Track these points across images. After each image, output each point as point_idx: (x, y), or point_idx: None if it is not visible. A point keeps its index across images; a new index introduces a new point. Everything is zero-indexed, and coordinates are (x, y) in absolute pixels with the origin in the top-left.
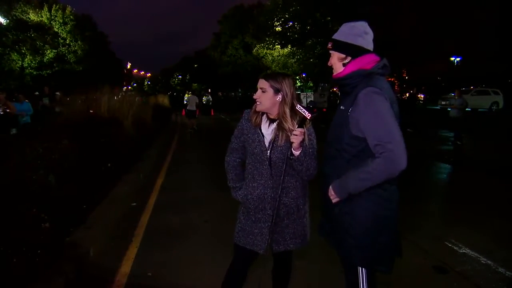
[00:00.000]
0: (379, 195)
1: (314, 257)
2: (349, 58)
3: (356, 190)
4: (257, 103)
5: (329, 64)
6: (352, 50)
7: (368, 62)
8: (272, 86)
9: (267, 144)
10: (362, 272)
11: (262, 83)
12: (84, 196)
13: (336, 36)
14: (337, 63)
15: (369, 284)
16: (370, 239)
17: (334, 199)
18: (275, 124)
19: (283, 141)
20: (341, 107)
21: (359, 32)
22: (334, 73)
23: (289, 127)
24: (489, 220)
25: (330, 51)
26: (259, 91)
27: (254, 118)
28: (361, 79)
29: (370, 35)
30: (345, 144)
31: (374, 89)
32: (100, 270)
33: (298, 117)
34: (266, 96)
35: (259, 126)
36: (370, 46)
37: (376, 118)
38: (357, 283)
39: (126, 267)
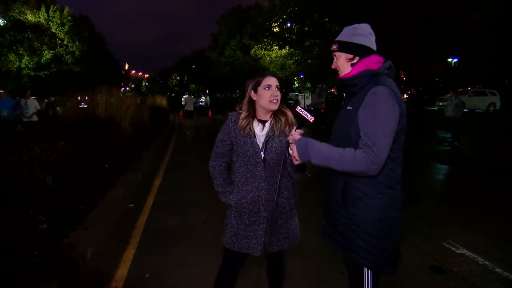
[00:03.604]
0: (388, 195)
1: (312, 257)
2: (357, 58)
3: (318, 163)
4: (274, 101)
5: (333, 66)
6: (360, 50)
7: (375, 62)
8: (280, 84)
9: (260, 145)
10: (368, 275)
11: (277, 81)
12: (81, 197)
13: (340, 38)
14: (345, 64)
15: (374, 287)
16: (380, 240)
17: (295, 159)
18: (267, 124)
19: (278, 141)
20: (348, 107)
21: (364, 33)
22: (341, 74)
23: (287, 118)
24: (487, 221)
25: (336, 53)
26: (275, 88)
27: (247, 124)
28: (369, 79)
29: (374, 36)
30: (353, 143)
31: (384, 88)
32: (97, 272)
33: (298, 119)
34: (280, 94)
35: (250, 129)
36: (374, 46)
37: (375, 120)
38: (362, 285)
39: (123, 269)
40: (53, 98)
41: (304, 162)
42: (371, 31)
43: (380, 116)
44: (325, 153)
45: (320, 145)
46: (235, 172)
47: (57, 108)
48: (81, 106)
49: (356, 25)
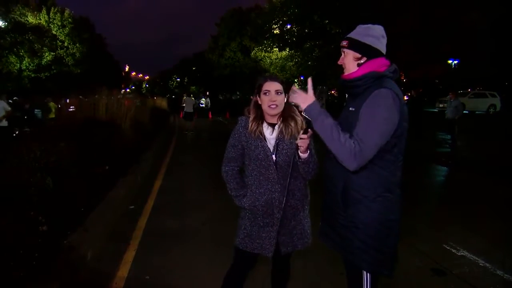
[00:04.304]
0: (387, 198)
1: (312, 259)
2: (364, 59)
3: (317, 128)
4: (273, 106)
5: (340, 62)
6: (369, 51)
7: (381, 65)
8: (284, 88)
9: (271, 148)
10: (366, 277)
11: (277, 86)
12: (81, 199)
13: (352, 35)
14: (352, 62)
15: None
16: (378, 242)
17: (299, 101)
18: (276, 127)
19: (288, 143)
20: (350, 108)
21: (376, 35)
22: (346, 72)
23: (297, 124)
24: (487, 222)
25: (344, 50)
26: (274, 93)
27: (255, 128)
28: (373, 81)
29: (385, 39)
30: None
31: (387, 91)
32: (97, 274)
33: (304, 121)
34: (281, 98)
35: (260, 133)
36: (384, 50)
37: (371, 119)
38: (360, 287)
39: (123, 271)
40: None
41: (307, 116)
42: (384, 34)
43: (377, 117)
44: (329, 123)
45: (329, 117)
46: (248, 176)
47: (36, 111)
48: (71, 109)
49: (370, 25)
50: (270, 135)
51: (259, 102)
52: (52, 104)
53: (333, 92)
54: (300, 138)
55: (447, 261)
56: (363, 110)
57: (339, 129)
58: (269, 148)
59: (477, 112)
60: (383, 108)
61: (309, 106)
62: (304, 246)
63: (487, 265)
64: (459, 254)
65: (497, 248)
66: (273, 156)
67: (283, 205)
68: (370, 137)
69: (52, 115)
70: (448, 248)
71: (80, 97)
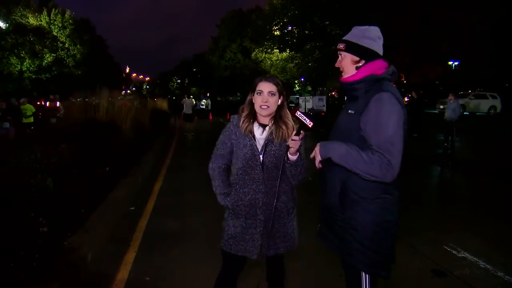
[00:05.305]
0: (384, 200)
1: (311, 260)
2: (362, 62)
3: (337, 160)
4: (264, 107)
5: (337, 65)
6: (367, 54)
7: (379, 67)
8: (278, 90)
9: (259, 148)
10: (365, 278)
11: (271, 87)
12: (82, 200)
13: (349, 38)
14: (350, 66)
15: None
16: (375, 244)
17: (316, 156)
18: (267, 128)
19: (277, 144)
20: (350, 111)
21: (373, 36)
22: (345, 76)
23: (288, 128)
24: (488, 224)
25: (341, 53)
26: (266, 95)
27: (246, 125)
28: (372, 84)
29: (382, 40)
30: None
31: (388, 94)
32: (97, 275)
33: (297, 124)
34: (274, 100)
35: (250, 131)
36: (381, 51)
37: (383, 128)
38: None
39: (124, 272)
40: None
41: (324, 158)
42: (380, 35)
43: (388, 124)
44: (343, 146)
45: (341, 143)
46: (234, 174)
47: None
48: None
49: (367, 27)
50: (260, 135)
51: (254, 101)
52: (28, 106)
53: (333, 93)
54: (292, 140)
55: (447, 262)
56: (370, 120)
57: (355, 147)
58: (257, 148)
59: (477, 114)
60: (389, 112)
61: (320, 149)
62: (287, 249)
63: (488, 266)
64: (459, 255)
65: (498, 249)
66: (261, 156)
67: (270, 207)
68: (392, 145)
69: (29, 120)
70: (448, 249)
71: (69, 98)
